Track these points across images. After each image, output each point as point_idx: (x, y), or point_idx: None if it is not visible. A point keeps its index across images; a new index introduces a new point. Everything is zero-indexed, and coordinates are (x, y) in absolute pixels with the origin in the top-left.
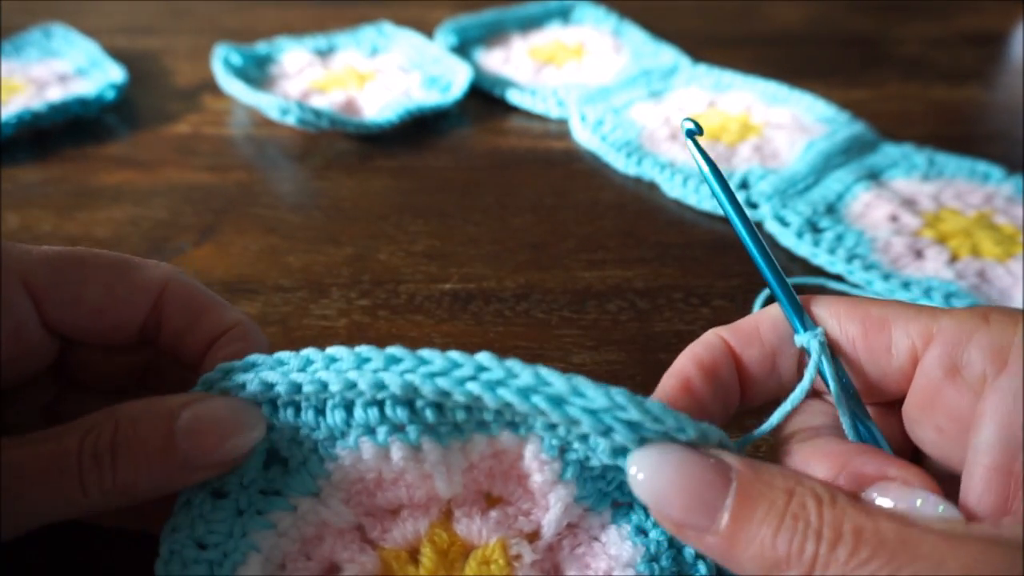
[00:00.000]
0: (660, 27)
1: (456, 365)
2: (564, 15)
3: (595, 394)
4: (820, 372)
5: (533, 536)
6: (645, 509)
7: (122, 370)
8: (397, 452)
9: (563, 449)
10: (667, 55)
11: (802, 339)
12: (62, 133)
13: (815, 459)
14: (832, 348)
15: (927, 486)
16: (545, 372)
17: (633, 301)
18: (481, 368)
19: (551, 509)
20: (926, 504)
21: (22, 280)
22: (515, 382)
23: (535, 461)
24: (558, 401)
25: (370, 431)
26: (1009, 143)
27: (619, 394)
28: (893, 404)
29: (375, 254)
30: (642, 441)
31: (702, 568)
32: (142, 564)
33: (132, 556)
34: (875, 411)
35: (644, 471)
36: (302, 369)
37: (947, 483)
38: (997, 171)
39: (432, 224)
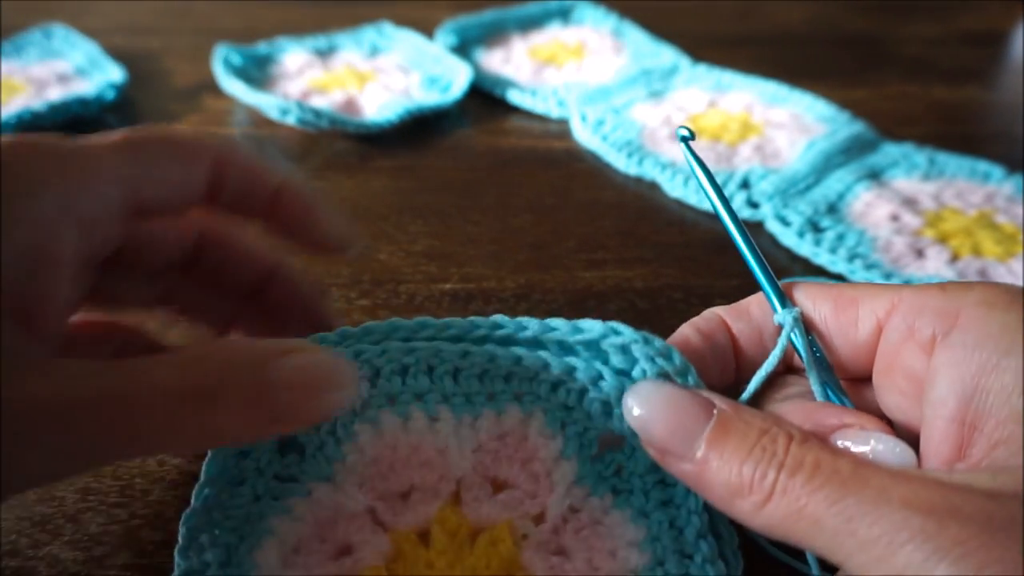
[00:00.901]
0: (660, 27)
1: (475, 327)
2: (564, 15)
3: (593, 325)
4: (794, 346)
5: (539, 519)
6: (645, 494)
7: (175, 250)
8: (416, 421)
9: (564, 424)
10: (667, 55)
11: (779, 316)
12: (62, 133)
13: (784, 415)
14: (807, 326)
15: (884, 431)
16: (552, 320)
17: (633, 301)
18: (496, 326)
19: (555, 489)
20: (881, 444)
21: (110, 174)
22: (525, 332)
23: (540, 437)
24: (560, 336)
25: (391, 400)
26: (1009, 143)
27: (615, 325)
28: (867, 381)
29: (375, 254)
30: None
31: (703, 546)
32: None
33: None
34: (850, 387)
35: (636, 402)
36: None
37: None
38: (997, 170)
39: (432, 224)
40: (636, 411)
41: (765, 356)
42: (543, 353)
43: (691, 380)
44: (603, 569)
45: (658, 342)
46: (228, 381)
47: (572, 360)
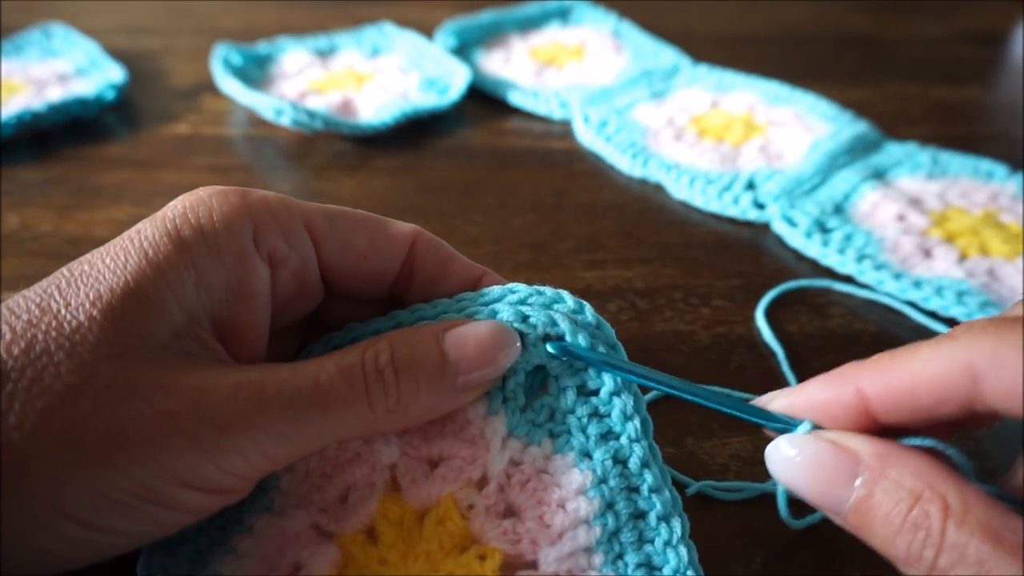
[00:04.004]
0: (660, 27)
1: (394, 317)
2: (563, 16)
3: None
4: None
5: (482, 483)
6: (583, 431)
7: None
8: None
9: None
10: (667, 55)
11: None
12: (62, 133)
13: None
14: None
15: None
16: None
17: (633, 301)
18: (416, 309)
19: (490, 444)
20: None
21: (305, 224)
22: (438, 308)
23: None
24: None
25: None
26: (1009, 143)
27: (512, 285)
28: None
29: None
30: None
31: (648, 477)
32: None
33: None
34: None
35: (780, 461)
36: None
37: None
38: (1001, 169)
39: (432, 224)
40: (778, 468)
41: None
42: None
43: (589, 317)
44: (555, 524)
45: (548, 291)
46: (407, 355)
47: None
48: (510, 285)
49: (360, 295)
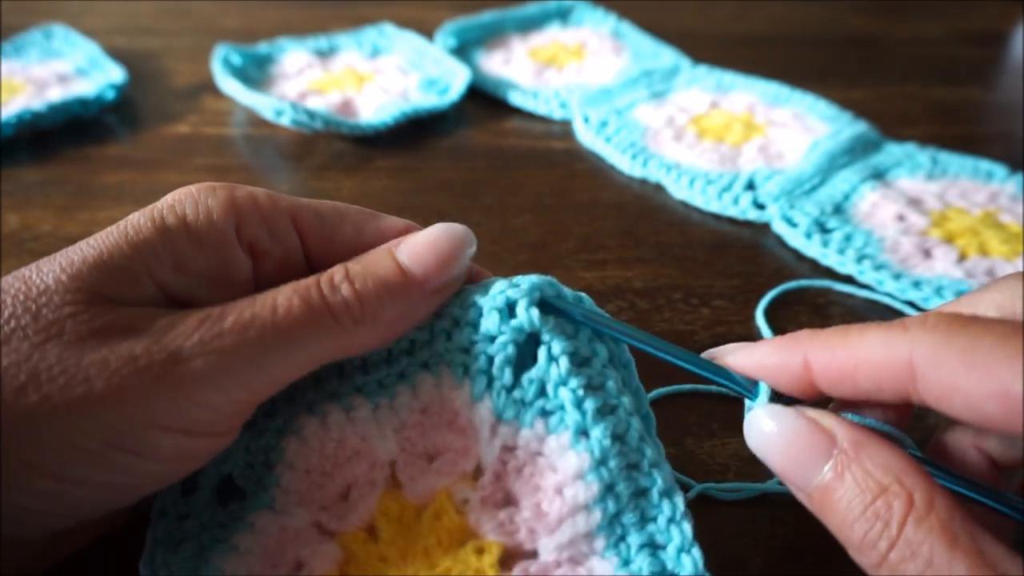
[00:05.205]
0: (660, 27)
1: None
2: (563, 16)
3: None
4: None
5: (477, 472)
6: (579, 406)
7: None
8: (333, 417)
9: (466, 368)
10: (667, 56)
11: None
12: (62, 133)
13: None
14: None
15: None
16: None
17: (633, 301)
18: None
19: (478, 434)
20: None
21: (291, 218)
22: None
23: (451, 391)
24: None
25: (308, 407)
26: (1009, 143)
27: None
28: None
29: None
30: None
31: (647, 450)
32: None
33: None
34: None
35: (756, 428)
36: None
37: None
38: (1000, 170)
39: (432, 224)
40: (754, 438)
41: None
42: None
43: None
44: (553, 512)
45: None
46: (361, 269)
47: (465, 299)
48: (512, 278)
49: None
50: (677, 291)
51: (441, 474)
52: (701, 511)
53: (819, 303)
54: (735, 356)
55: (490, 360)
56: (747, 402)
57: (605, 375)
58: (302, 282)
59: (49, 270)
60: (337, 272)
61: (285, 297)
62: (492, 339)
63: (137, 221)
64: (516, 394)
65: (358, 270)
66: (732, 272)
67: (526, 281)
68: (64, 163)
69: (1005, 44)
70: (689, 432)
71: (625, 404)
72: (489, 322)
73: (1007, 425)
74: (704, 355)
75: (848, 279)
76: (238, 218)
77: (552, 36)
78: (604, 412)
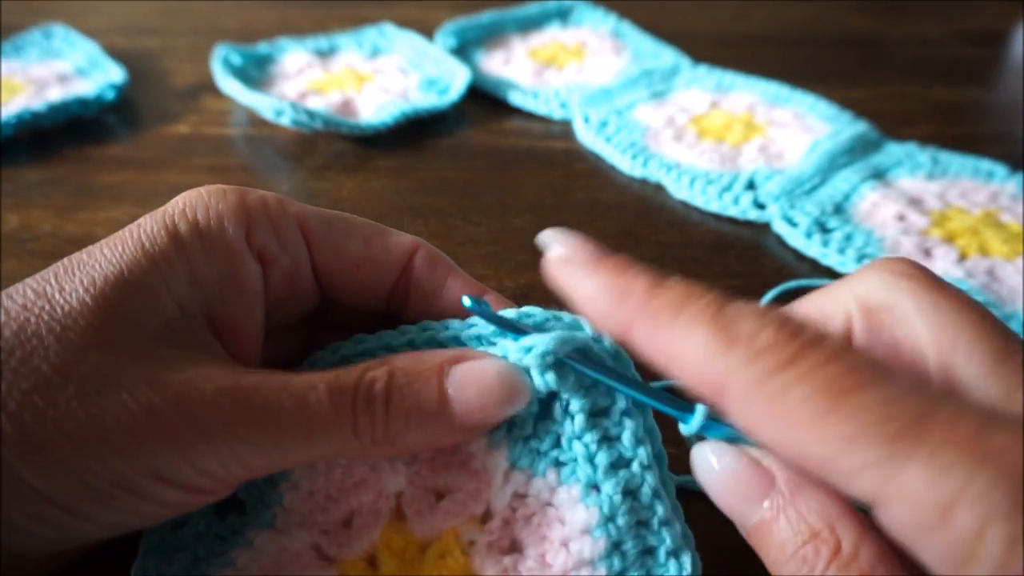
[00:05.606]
0: (660, 27)
1: (403, 332)
2: (563, 16)
3: (537, 311)
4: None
5: (486, 516)
6: (591, 460)
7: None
8: None
9: None
10: (667, 56)
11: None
12: (62, 133)
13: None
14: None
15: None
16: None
17: None
18: (424, 328)
19: (491, 480)
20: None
21: (299, 225)
22: (446, 332)
23: None
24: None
25: None
26: (1009, 143)
27: (528, 310)
28: None
29: None
30: (544, 356)
31: (659, 508)
32: None
33: None
34: None
35: (701, 463)
36: None
37: None
38: (1001, 169)
39: (432, 224)
40: (700, 473)
41: None
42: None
43: (607, 345)
44: (557, 565)
45: (567, 316)
46: (404, 387)
47: (489, 349)
48: (525, 309)
49: (356, 304)
50: None
51: (450, 514)
52: (701, 510)
53: None
54: (566, 271)
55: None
56: (681, 425)
57: (623, 425)
58: (341, 380)
59: (72, 289)
60: (380, 380)
61: (317, 397)
62: None
63: (151, 230)
64: (533, 443)
65: (399, 390)
66: (732, 272)
67: (541, 344)
68: (64, 163)
69: (1005, 44)
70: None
71: (641, 457)
72: None
73: (804, 470)
74: (541, 234)
75: None
76: (248, 222)
77: (552, 36)
78: (617, 466)
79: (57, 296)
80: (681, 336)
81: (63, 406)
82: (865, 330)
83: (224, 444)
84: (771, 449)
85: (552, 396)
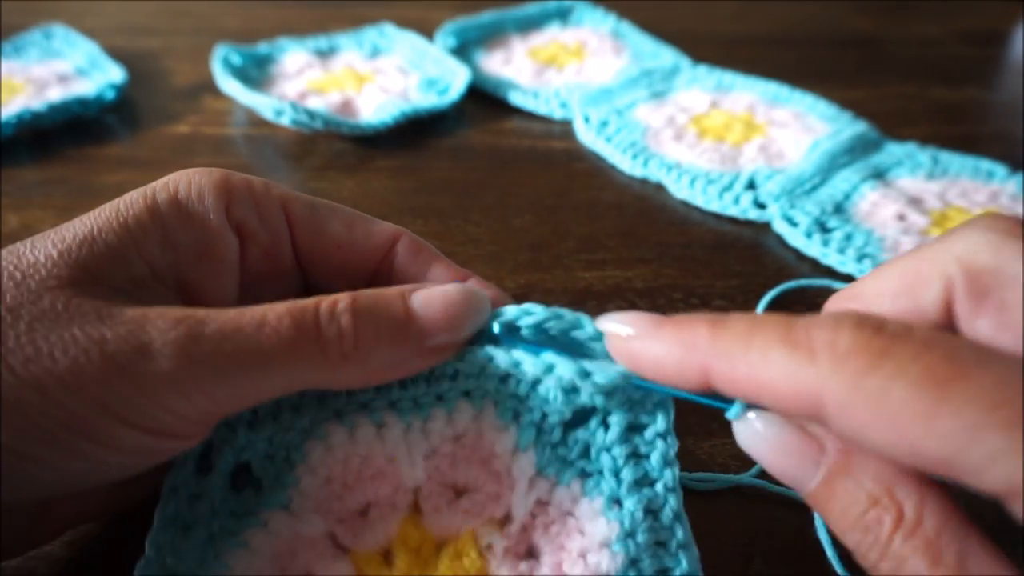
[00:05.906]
0: (660, 27)
1: None
2: (563, 16)
3: (538, 308)
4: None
5: (505, 520)
6: (617, 474)
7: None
8: (362, 430)
9: (517, 414)
10: (667, 55)
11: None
12: (62, 133)
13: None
14: None
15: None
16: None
17: (633, 301)
18: None
19: (516, 485)
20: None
21: (282, 206)
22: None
23: (493, 431)
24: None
25: (337, 414)
26: (1009, 143)
27: (528, 306)
28: None
29: None
30: (586, 374)
31: (679, 531)
32: None
33: None
34: None
35: (746, 438)
36: None
37: None
38: (1001, 169)
39: (432, 224)
40: (747, 441)
41: None
42: (489, 348)
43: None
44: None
45: (568, 314)
46: (369, 304)
47: (517, 354)
48: (526, 306)
49: (337, 287)
50: (677, 291)
51: (469, 513)
52: (701, 511)
53: (819, 302)
54: (631, 345)
55: (543, 415)
56: (727, 414)
57: (654, 445)
58: (301, 301)
59: (41, 245)
60: (343, 299)
61: (276, 315)
62: (546, 401)
63: (129, 198)
64: (560, 451)
65: (365, 303)
66: (732, 272)
67: (601, 374)
68: (64, 163)
69: (1005, 44)
70: (689, 432)
71: (667, 479)
72: (546, 395)
73: (924, 470)
74: (597, 323)
75: (849, 278)
76: (228, 197)
77: (552, 36)
78: (642, 484)
79: (26, 251)
80: (759, 362)
81: (12, 342)
82: (967, 295)
83: (183, 373)
84: (887, 455)
85: (592, 409)
